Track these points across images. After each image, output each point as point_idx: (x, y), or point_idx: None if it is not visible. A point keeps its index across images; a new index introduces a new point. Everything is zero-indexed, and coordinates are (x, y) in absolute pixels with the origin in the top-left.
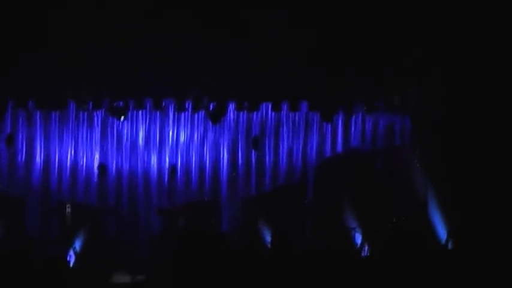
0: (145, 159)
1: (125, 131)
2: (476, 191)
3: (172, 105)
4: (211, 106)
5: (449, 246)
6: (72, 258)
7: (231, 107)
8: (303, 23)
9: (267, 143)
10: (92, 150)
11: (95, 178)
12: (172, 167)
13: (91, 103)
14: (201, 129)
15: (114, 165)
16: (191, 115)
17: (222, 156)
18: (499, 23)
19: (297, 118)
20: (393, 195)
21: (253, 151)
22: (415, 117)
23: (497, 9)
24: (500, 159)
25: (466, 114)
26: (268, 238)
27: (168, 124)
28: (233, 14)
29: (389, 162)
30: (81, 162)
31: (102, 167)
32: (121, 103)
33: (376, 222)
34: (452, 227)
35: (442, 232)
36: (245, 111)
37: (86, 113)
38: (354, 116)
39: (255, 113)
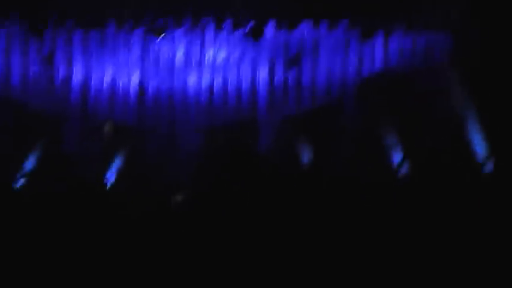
0: (184, 78)
1: (163, 50)
2: None
3: (211, 24)
4: (250, 25)
5: (489, 168)
6: (111, 179)
7: (270, 25)
8: None
9: (305, 61)
10: (130, 69)
11: (134, 98)
12: None
13: (131, 22)
14: (240, 48)
15: (152, 85)
16: (230, 34)
17: (260, 75)
18: None
19: (335, 37)
20: (433, 115)
21: (291, 70)
22: (457, 34)
23: None
24: None
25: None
26: (307, 159)
27: (207, 43)
28: None
29: (429, 82)
30: (120, 82)
31: (141, 87)
32: (160, 22)
33: (415, 142)
34: (493, 150)
35: (482, 154)
36: (284, 30)
37: (125, 33)
38: (393, 34)
39: (293, 31)
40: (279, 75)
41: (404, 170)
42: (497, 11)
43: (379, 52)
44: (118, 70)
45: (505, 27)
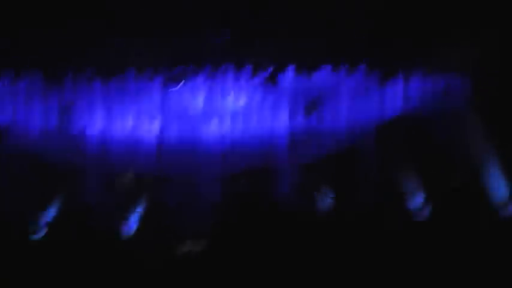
0: (204, 125)
1: (183, 97)
2: None
3: (231, 70)
4: (269, 70)
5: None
6: (132, 228)
7: (289, 70)
8: None
9: (325, 106)
10: (150, 118)
11: (154, 147)
12: None
13: (150, 70)
14: (259, 94)
15: (172, 133)
16: (250, 79)
17: (280, 120)
18: None
19: (355, 81)
20: (452, 159)
21: (311, 115)
22: (475, 78)
23: None
24: None
25: None
26: (327, 203)
27: (226, 90)
28: None
29: (448, 125)
30: (140, 130)
31: (161, 136)
32: (179, 69)
33: (436, 185)
34: None
35: (502, 198)
36: (303, 75)
37: (144, 81)
38: (412, 78)
39: (313, 76)
40: (299, 121)
41: (425, 213)
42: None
43: (399, 96)
44: (138, 118)
45: None
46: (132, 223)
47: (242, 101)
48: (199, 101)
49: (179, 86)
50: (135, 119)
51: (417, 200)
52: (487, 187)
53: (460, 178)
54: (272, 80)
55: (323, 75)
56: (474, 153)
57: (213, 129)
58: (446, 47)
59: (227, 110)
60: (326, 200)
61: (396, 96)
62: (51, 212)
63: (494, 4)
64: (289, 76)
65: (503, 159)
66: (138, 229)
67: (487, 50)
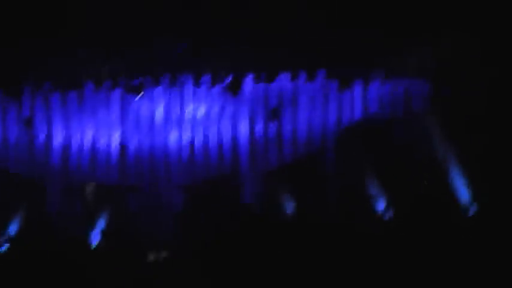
0: (164, 135)
1: (143, 108)
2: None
3: (190, 80)
4: (228, 79)
5: (472, 212)
6: (96, 239)
7: (249, 78)
8: None
9: (285, 113)
10: (110, 129)
11: (115, 157)
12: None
13: (108, 82)
14: (219, 102)
15: (133, 143)
16: (209, 89)
17: (241, 128)
18: None
19: (314, 87)
20: (413, 162)
21: (271, 122)
22: (434, 81)
23: None
24: None
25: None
26: (291, 209)
27: (186, 99)
28: None
29: (409, 129)
30: (101, 142)
31: (122, 146)
32: (138, 80)
33: (398, 188)
34: (476, 195)
35: (465, 199)
36: (262, 82)
37: (104, 93)
38: (371, 83)
39: (272, 83)
40: (259, 128)
41: (388, 216)
42: (474, 57)
43: (358, 101)
44: (98, 130)
45: (482, 72)
46: (96, 233)
47: (202, 110)
48: (159, 110)
49: (139, 96)
50: (95, 130)
51: (380, 204)
52: (450, 189)
53: (422, 181)
54: (232, 88)
55: (282, 82)
56: (435, 156)
57: (174, 139)
58: (405, 52)
59: (188, 119)
60: (289, 206)
61: (356, 101)
62: (14, 225)
63: (451, 8)
64: (248, 84)
65: (464, 161)
66: (102, 239)
67: (444, 53)
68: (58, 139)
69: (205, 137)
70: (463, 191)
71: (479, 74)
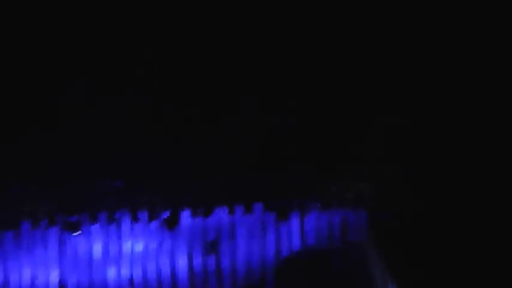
0: (103, 272)
1: (81, 245)
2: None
3: (127, 216)
4: (165, 214)
5: None
6: None
7: (185, 213)
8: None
9: (223, 247)
10: (48, 268)
11: None
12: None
13: (46, 220)
14: (157, 238)
15: (72, 282)
16: (146, 224)
17: (179, 263)
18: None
19: (252, 220)
20: None
21: (210, 256)
22: (371, 212)
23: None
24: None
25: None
26: None
27: (124, 236)
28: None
29: (347, 259)
30: (39, 280)
31: (61, 285)
32: (75, 218)
33: None
34: None
35: None
36: (199, 217)
37: (40, 231)
38: (308, 214)
39: (209, 217)
40: (197, 262)
41: None
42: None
43: (296, 233)
44: (36, 269)
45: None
46: None
47: (140, 246)
48: (97, 248)
49: (76, 234)
50: (33, 269)
51: None
52: None
53: None
54: (169, 223)
55: (219, 216)
56: (374, 285)
57: (113, 275)
58: (341, 183)
59: (126, 255)
60: None
61: (293, 233)
62: None
63: (385, 138)
64: (185, 219)
65: None
66: None
67: (381, 183)
68: None
69: (144, 272)
70: None
71: (414, 204)
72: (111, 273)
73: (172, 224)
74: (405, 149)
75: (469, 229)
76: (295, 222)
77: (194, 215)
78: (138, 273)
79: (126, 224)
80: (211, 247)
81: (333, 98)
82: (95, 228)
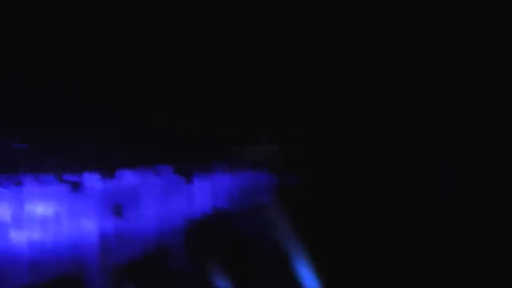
0: (4, 236)
1: None
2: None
3: (31, 178)
4: (72, 177)
5: None
6: None
7: (93, 177)
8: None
9: (131, 209)
10: None
11: None
12: None
13: None
14: (63, 200)
15: None
16: (51, 187)
17: (86, 226)
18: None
19: (160, 182)
20: (260, 253)
21: (118, 220)
22: (278, 175)
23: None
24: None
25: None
26: None
27: (28, 198)
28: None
29: (254, 221)
30: None
31: None
32: None
33: (247, 280)
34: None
35: None
36: (106, 180)
37: None
38: (217, 176)
39: (116, 179)
40: (108, 224)
41: None
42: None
43: (206, 194)
44: None
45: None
46: None
47: (50, 208)
48: (4, 208)
49: None
50: None
51: None
52: (297, 280)
53: (270, 271)
54: (75, 186)
55: (129, 177)
56: (282, 247)
57: (20, 239)
58: (250, 145)
59: (34, 217)
60: None
61: (203, 195)
62: None
63: (295, 100)
64: (93, 181)
65: (310, 251)
66: None
67: (289, 147)
68: None
69: (53, 235)
70: (309, 281)
71: (323, 163)
72: (17, 236)
73: (78, 186)
74: (318, 112)
75: (378, 196)
76: (203, 184)
77: (104, 176)
78: (46, 235)
79: (30, 187)
80: (119, 211)
81: (242, 61)
82: (1, 191)
